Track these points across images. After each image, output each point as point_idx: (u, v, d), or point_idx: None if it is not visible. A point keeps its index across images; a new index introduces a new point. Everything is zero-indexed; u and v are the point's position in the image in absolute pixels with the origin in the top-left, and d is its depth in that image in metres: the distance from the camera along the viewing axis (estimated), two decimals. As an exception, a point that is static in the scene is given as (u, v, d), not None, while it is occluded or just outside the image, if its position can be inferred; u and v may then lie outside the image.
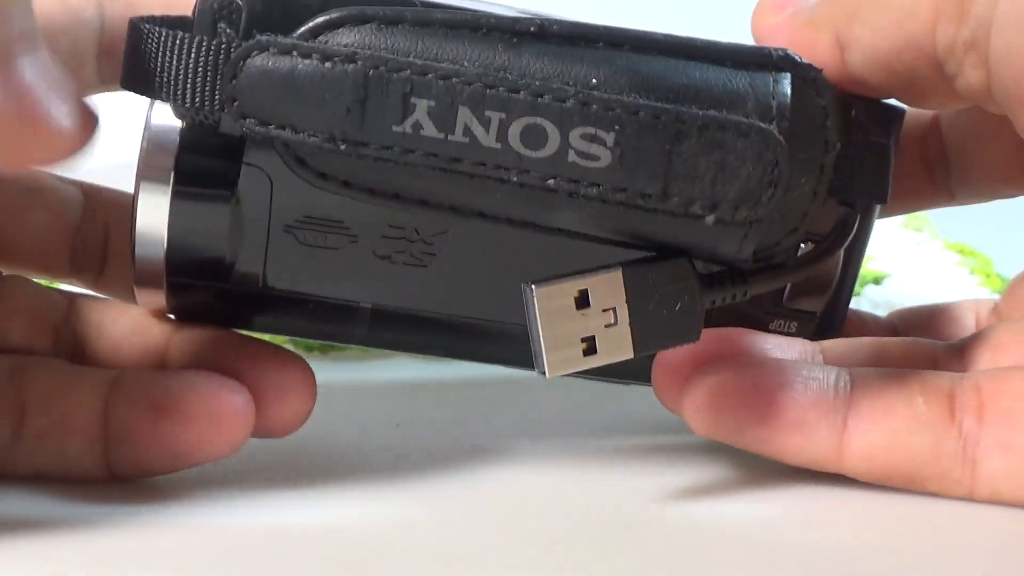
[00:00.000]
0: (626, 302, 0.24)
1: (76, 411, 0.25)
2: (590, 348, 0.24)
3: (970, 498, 0.26)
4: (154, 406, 0.25)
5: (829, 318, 0.30)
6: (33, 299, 0.28)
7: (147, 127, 0.25)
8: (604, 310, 0.24)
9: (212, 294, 0.27)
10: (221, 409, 0.25)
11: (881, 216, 0.30)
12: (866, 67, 0.25)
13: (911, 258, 0.48)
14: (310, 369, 0.27)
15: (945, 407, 0.25)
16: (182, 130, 0.25)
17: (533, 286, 0.24)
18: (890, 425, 0.25)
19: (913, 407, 0.25)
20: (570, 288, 0.24)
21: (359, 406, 0.34)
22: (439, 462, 0.29)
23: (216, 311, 0.28)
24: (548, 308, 0.24)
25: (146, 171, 0.25)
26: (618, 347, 0.24)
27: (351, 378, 0.34)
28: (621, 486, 0.27)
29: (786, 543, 0.24)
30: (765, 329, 0.29)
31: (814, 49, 0.26)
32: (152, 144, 0.25)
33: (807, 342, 0.29)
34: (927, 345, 0.29)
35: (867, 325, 0.33)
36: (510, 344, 0.28)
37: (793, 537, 0.25)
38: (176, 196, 0.25)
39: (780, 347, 0.28)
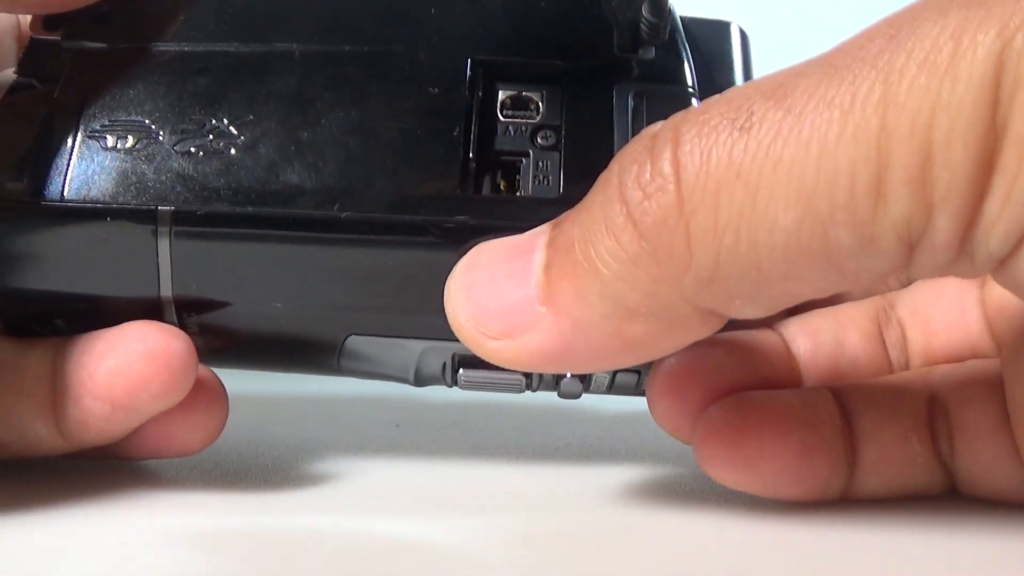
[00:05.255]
0: None
1: (26, 376, 0.26)
2: None
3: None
4: (96, 356, 0.25)
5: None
6: None
7: None
8: None
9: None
10: (159, 350, 0.25)
11: None
12: None
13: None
14: (220, 383, 0.27)
15: (929, 438, 0.26)
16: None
17: None
18: (889, 473, 0.26)
19: (908, 450, 0.26)
20: None
21: (359, 407, 0.34)
22: (439, 462, 0.29)
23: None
24: None
25: None
26: None
27: (350, 379, 0.34)
28: (625, 485, 0.27)
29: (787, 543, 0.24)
30: (517, 172, 0.27)
31: None
32: None
33: (775, 339, 0.28)
34: (878, 316, 0.28)
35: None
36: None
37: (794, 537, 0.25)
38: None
39: (753, 344, 0.27)
